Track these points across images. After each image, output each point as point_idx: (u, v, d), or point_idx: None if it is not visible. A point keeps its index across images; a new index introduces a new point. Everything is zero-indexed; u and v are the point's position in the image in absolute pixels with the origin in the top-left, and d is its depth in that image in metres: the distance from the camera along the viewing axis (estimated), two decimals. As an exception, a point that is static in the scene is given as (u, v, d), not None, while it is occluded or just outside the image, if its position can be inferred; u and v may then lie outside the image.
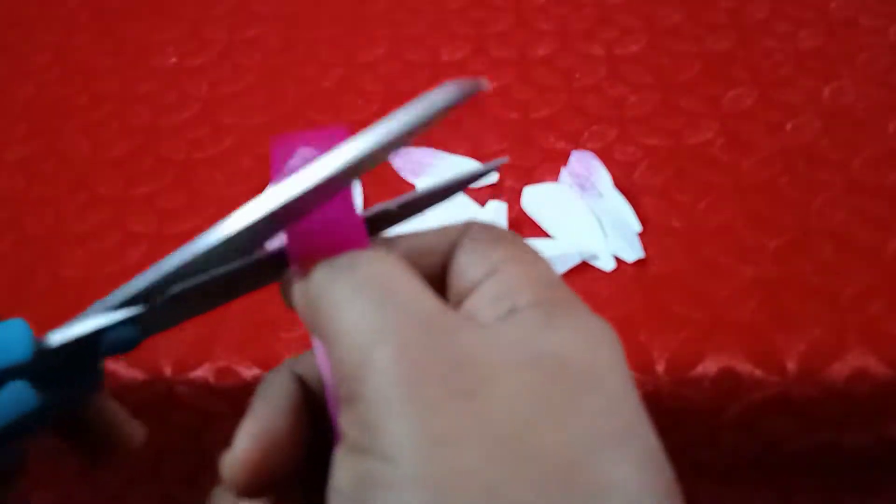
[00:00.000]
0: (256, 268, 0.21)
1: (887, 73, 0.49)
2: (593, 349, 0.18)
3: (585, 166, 0.45)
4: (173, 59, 0.54)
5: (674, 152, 0.46)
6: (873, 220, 0.42)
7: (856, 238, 0.41)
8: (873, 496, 0.42)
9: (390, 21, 0.55)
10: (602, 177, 0.44)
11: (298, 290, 0.19)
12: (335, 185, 0.19)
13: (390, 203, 0.22)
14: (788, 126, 0.47)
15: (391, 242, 0.21)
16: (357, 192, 0.45)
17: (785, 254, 0.41)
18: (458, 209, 0.43)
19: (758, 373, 0.37)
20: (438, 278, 0.21)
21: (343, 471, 0.17)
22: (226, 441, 0.44)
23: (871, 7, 0.52)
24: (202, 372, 0.39)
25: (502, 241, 0.21)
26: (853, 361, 0.37)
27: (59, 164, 0.49)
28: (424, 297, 0.18)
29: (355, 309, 0.17)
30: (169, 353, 0.40)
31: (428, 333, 0.17)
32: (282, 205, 0.18)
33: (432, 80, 0.51)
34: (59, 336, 0.20)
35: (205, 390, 0.39)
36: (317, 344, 0.19)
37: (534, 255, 0.21)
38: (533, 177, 0.45)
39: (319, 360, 0.19)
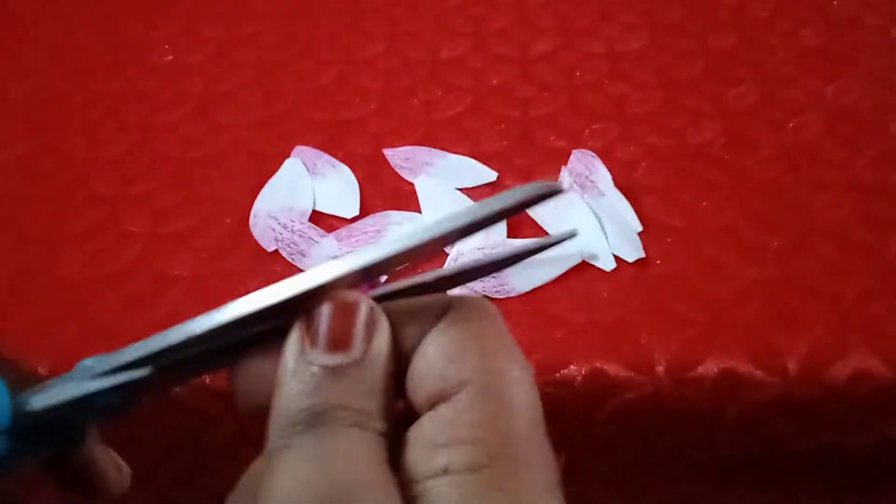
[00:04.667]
0: (259, 338, 0.20)
1: (890, 72, 0.48)
2: None
3: (586, 165, 0.44)
4: (169, 57, 0.54)
5: (675, 151, 0.46)
6: (876, 220, 0.42)
7: (858, 238, 0.41)
8: (874, 497, 0.42)
9: (389, 17, 0.55)
10: (602, 176, 0.44)
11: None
12: (360, 278, 0.18)
13: (427, 275, 0.20)
14: (791, 125, 0.46)
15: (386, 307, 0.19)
16: (355, 194, 0.45)
17: (787, 254, 0.41)
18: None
19: (759, 373, 0.37)
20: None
21: None
22: (223, 442, 0.44)
23: (874, 6, 0.52)
24: (199, 373, 0.39)
25: (476, 348, 0.18)
26: (854, 362, 0.37)
27: (57, 163, 0.49)
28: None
29: (295, 479, 0.16)
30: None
31: None
32: (295, 295, 0.17)
33: (431, 77, 0.51)
34: (40, 401, 0.19)
35: (203, 392, 0.39)
36: None
37: (510, 380, 0.17)
38: (533, 176, 0.45)
39: None
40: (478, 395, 0.17)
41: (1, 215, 0.47)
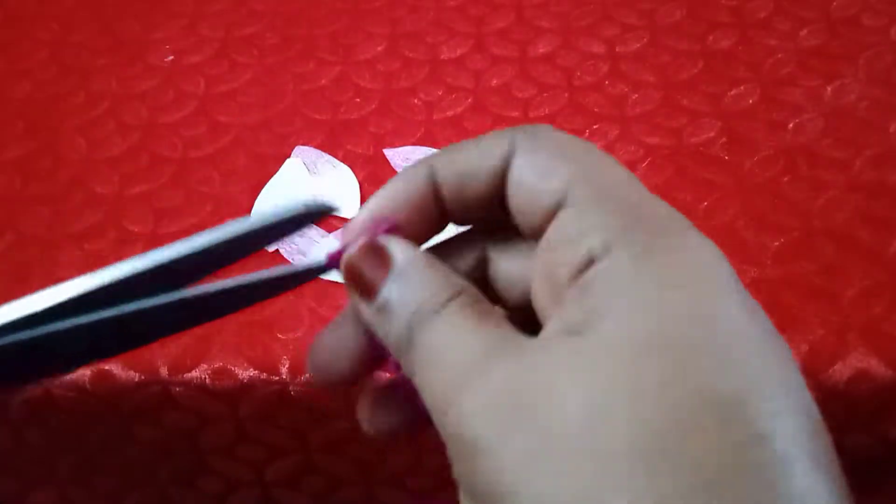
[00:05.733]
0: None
1: (889, 73, 0.48)
2: (695, 301, 0.17)
3: (586, 165, 0.44)
4: (170, 57, 0.54)
5: (675, 151, 0.46)
6: (875, 221, 0.42)
7: (858, 238, 0.41)
8: (874, 498, 0.42)
9: (389, 18, 0.55)
10: (602, 176, 0.44)
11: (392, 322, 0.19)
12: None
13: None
14: (790, 125, 0.46)
15: (430, 160, 0.20)
16: (356, 195, 0.45)
17: (786, 254, 0.41)
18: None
19: (759, 374, 0.37)
20: (493, 202, 0.20)
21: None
22: (223, 442, 0.44)
23: (873, 6, 0.52)
24: (198, 373, 0.39)
25: (565, 153, 0.19)
26: (855, 363, 0.37)
27: (56, 163, 0.49)
28: (500, 330, 0.18)
29: (445, 350, 0.18)
30: (165, 354, 0.39)
31: (493, 359, 0.17)
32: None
33: (431, 78, 0.51)
34: None
35: (201, 391, 0.39)
36: None
37: (606, 163, 0.19)
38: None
39: None
40: (591, 186, 0.18)
41: (0, 215, 0.46)
